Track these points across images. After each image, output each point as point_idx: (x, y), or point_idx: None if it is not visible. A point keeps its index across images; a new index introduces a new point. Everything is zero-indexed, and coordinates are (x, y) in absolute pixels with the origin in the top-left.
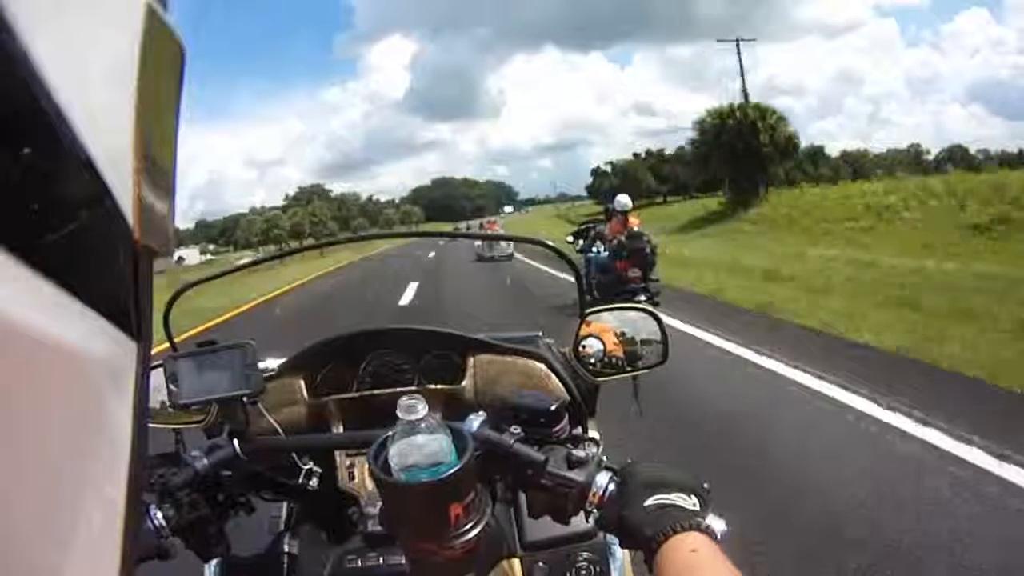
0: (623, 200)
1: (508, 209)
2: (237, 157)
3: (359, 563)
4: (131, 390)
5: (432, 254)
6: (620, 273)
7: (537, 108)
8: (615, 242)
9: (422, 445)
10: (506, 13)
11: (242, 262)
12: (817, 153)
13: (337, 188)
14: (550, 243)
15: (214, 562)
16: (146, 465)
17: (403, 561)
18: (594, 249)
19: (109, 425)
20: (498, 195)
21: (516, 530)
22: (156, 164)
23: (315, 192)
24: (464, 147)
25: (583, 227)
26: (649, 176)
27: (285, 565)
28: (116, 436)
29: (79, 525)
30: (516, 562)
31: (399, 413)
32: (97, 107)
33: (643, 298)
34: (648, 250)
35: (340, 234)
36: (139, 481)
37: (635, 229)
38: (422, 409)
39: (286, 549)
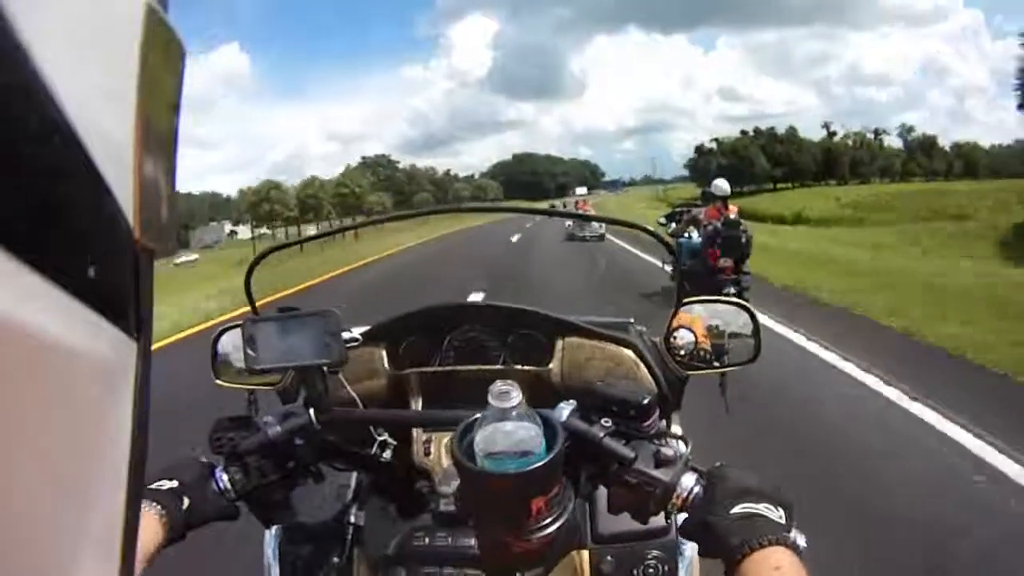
0: (721, 184)
1: (581, 191)
2: (319, 132)
3: (427, 541)
4: (131, 390)
5: (516, 238)
6: (711, 262)
7: (620, 90)
8: (710, 228)
9: (511, 432)
10: None
11: (311, 233)
12: (931, 145)
13: (420, 163)
14: (648, 228)
15: (275, 528)
16: (218, 427)
17: (472, 544)
18: (686, 235)
19: (109, 425)
20: (583, 174)
21: (588, 522)
22: (156, 163)
23: (379, 164)
24: (547, 127)
25: (677, 210)
26: (762, 157)
27: (349, 536)
28: (116, 436)
29: (78, 526)
30: (585, 554)
31: (491, 399)
32: (97, 107)
33: (732, 291)
34: (743, 240)
35: (395, 210)
36: (139, 481)
37: (732, 217)
38: (516, 396)
39: (352, 520)
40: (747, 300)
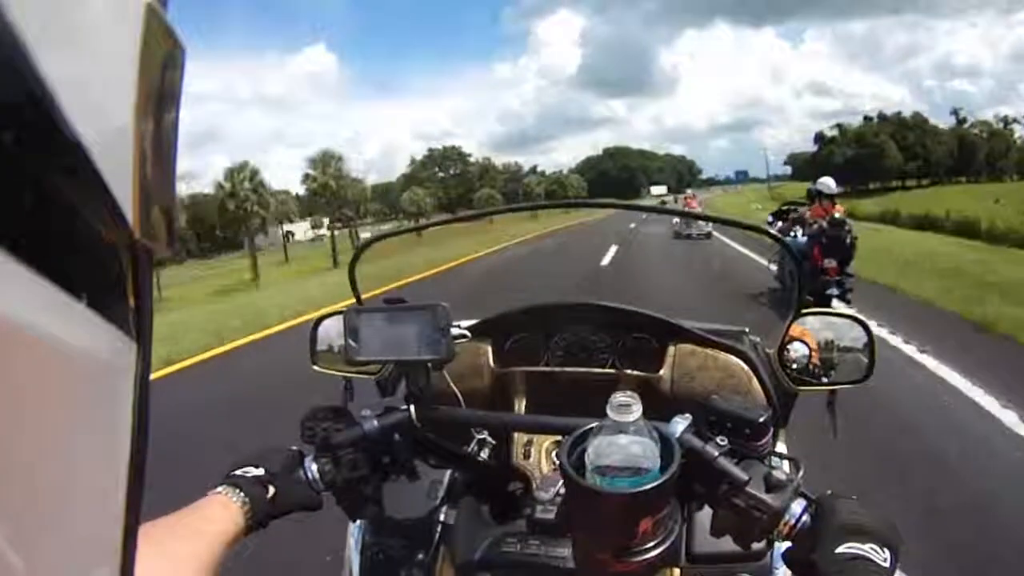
0: (828, 182)
1: (658, 189)
2: (408, 131)
3: (518, 548)
4: (131, 390)
5: (612, 252)
6: (815, 262)
7: (711, 86)
8: (815, 227)
9: (625, 446)
10: None
11: (417, 224)
12: None
13: (510, 160)
14: (768, 230)
15: (361, 521)
16: (311, 416)
17: (566, 556)
18: (792, 234)
19: (108, 426)
20: (679, 170)
21: (683, 539)
22: (156, 163)
23: (448, 157)
24: (638, 125)
25: (784, 208)
26: (893, 146)
27: (437, 535)
28: (115, 437)
29: (79, 526)
30: (677, 572)
31: (609, 412)
32: (97, 107)
33: (835, 291)
34: (848, 241)
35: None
36: (139, 482)
37: (838, 216)
38: (636, 410)
39: (441, 518)
40: (849, 302)
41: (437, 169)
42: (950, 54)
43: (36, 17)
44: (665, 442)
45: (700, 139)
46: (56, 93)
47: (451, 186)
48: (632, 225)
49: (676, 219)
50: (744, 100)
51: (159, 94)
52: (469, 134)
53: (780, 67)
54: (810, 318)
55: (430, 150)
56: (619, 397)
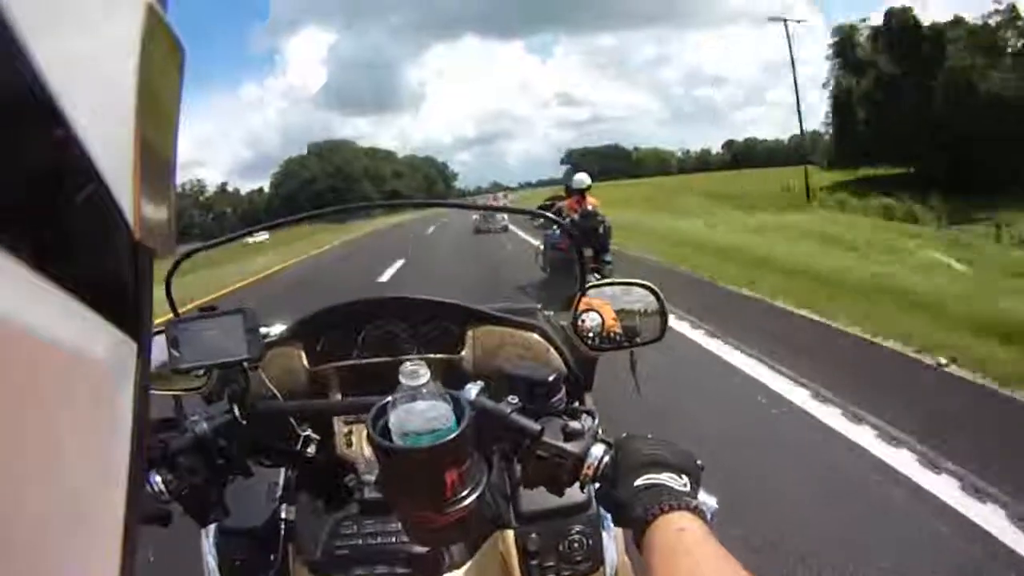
0: (581, 178)
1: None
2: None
3: (355, 529)
4: (131, 390)
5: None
6: (566, 251)
7: (458, 100)
8: (568, 220)
9: (423, 411)
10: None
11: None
12: None
13: (255, 184)
14: (548, 214)
15: (211, 528)
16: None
17: (399, 527)
18: (552, 227)
19: (108, 425)
20: (429, 176)
21: (511, 502)
22: (156, 164)
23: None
24: (384, 143)
25: (547, 202)
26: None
27: (282, 532)
28: (115, 436)
29: (80, 524)
30: (510, 533)
31: (401, 378)
32: (97, 107)
33: (597, 277)
34: (601, 230)
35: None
36: (139, 481)
37: (589, 208)
38: (424, 374)
39: (283, 516)
40: None
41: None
42: (699, 64)
43: (36, 17)
44: (458, 405)
45: (447, 152)
46: (56, 93)
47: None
48: (444, 220)
49: (476, 215)
50: (491, 113)
51: (159, 94)
52: (214, 161)
53: (528, 79)
54: (607, 288)
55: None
56: (408, 365)
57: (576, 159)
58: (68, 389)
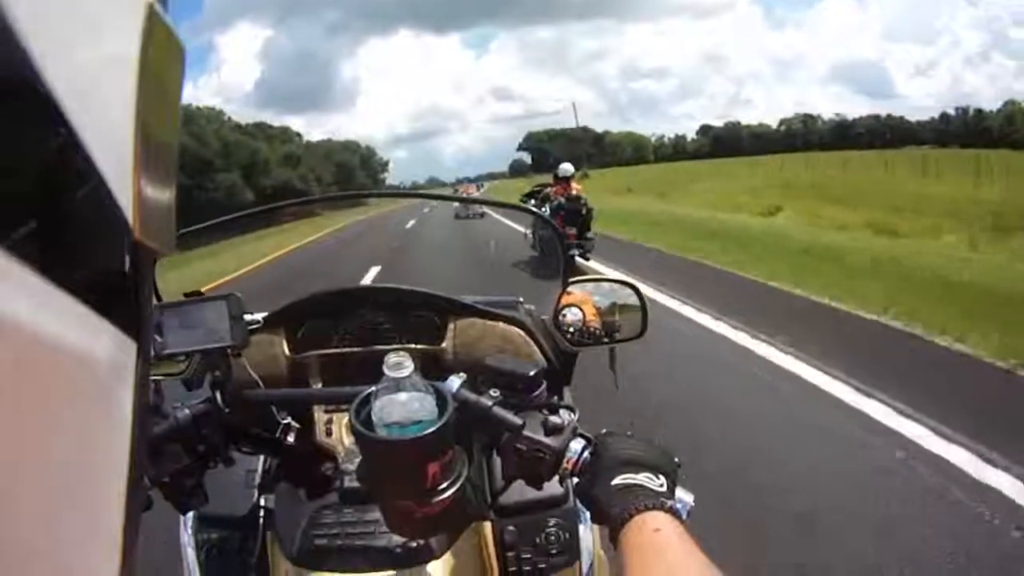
0: (566, 167)
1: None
2: None
3: (335, 518)
4: (131, 390)
5: (412, 223)
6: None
7: (391, 97)
8: (555, 203)
9: (405, 402)
10: None
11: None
12: None
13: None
14: (530, 208)
15: (191, 514)
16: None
17: (379, 517)
18: (541, 209)
19: (109, 425)
20: (347, 163)
21: (489, 495)
22: (156, 163)
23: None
24: (315, 140)
25: (535, 189)
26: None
27: (261, 520)
28: (115, 436)
29: (79, 526)
30: (488, 525)
31: (385, 369)
32: (97, 107)
33: (576, 252)
34: (583, 212)
35: None
36: (139, 480)
37: (574, 193)
38: (408, 366)
39: (262, 503)
40: (589, 259)
41: None
42: (637, 57)
43: (37, 17)
44: (441, 396)
45: (381, 149)
46: (56, 93)
47: None
48: (426, 210)
49: (456, 204)
50: (425, 110)
51: (159, 94)
52: None
53: (463, 74)
54: (590, 284)
55: None
56: (392, 356)
57: (540, 143)
58: (68, 389)
